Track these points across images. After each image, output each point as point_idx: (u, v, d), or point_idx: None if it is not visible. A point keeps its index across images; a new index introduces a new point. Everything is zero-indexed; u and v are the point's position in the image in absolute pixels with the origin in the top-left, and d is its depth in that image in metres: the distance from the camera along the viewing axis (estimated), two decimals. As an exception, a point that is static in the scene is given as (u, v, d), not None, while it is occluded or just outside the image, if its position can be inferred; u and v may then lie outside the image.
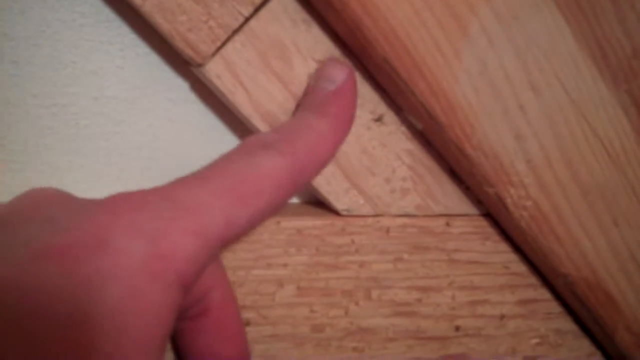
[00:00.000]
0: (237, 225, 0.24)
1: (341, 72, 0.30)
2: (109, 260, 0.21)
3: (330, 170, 0.33)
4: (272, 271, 0.33)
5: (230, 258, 0.32)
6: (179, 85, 0.33)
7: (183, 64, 0.33)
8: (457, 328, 0.36)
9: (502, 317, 0.37)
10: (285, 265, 0.33)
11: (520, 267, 0.37)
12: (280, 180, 0.26)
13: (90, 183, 0.33)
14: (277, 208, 0.26)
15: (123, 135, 0.33)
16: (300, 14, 0.31)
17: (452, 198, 0.35)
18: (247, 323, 0.33)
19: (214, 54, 0.30)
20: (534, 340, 0.37)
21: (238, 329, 0.30)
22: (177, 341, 0.30)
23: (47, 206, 0.23)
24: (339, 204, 0.34)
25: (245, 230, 0.25)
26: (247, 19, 0.30)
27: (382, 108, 0.33)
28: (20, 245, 0.21)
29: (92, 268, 0.20)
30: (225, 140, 0.35)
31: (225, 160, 0.26)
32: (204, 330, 0.28)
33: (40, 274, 0.20)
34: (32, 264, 0.20)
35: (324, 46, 0.32)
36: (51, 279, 0.20)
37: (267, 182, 0.25)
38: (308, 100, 0.30)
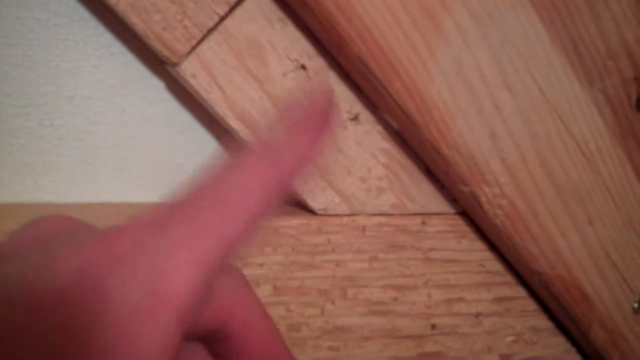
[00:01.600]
0: (233, 243, 0.24)
1: None
2: (103, 309, 0.20)
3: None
4: (248, 271, 0.33)
5: (206, 257, 0.32)
6: (155, 85, 0.33)
7: (158, 63, 0.32)
8: (433, 326, 0.36)
9: (477, 315, 0.37)
10: (261, 264, 0.33)
11: (496, 265, 0.37)
12: (268, 186, 0.25)
13: (65, 183, 0.33)
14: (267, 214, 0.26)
15: (98, 135, 0.33)
16: (276, 12, 0.31)
17: (427, 197, 0.36)
18: (223, 322, 0.33)
19: (189, 53, 0.30)
20: (510, 338, 0.38)
21: (268, 349, 0.29)
22: None
23: (46, 239, 0.23)
24: (315, 203, 0.34)
25: (241, 244, 0.25)
26: (222, 18, 0.30)
27: (358, 107, 0.33)
28: (12, 286, 0.20)
29: (86, 320, 0.20)
30: (201, 139, 0.34)
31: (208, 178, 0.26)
32: (227, 355, 0.28)
33: (31, 327, 0.20)
34: (22, 313, 0.20)
35: (300, 46, 0.32)
36: (41, 333, 0.20)
37: (254, 192, 0.25)
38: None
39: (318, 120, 0.28)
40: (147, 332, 0.21)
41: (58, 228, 0.23)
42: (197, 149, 0.35)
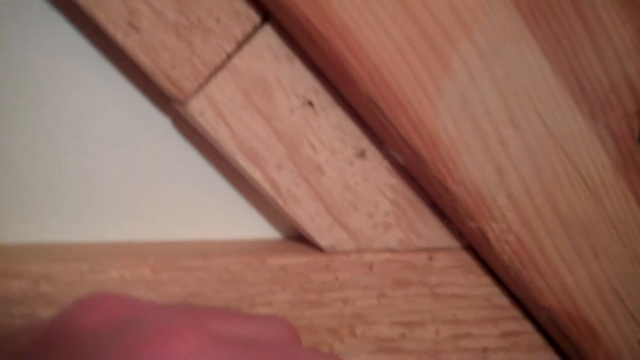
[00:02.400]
0: None
1: None
2: None
3: (313, 206, 0.33)
4: (256, 310, 0.32)
5: (213, 298, 0.32)
6: (161, 121, 0.33)
7: (165, 100, 0.32)
8: (442, 363, 0.36)
9: (484, 350, 0.37)
10: (269, 303, 0.33)
11: (503, 300, 0.37)
12: None
13: (72, 223, 0.32)
14: None
15: (104, 174, 0.32)
16: (284, 49, 0.31)
17: (434, 232, 0.35)
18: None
19: (197, 91, 0.30)
20: (517, 374, 0.37)
21: None
22: None
23: (101, 326, 0.22)
24: (322, 240, 0.33)
25: None
26: (230, 56, 0.30)
27: (365, 143, 0.33)
28: None
29: None
30: (208, 176, 0.34)
31: None
32: None
33: None
34: None
35: (307, 82, 0.32)
36: None
37: None
38: None
39: None
40: None
41: (115, 316, 0.22)
42: (205, 187, 0.34)
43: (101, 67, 0.32)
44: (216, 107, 0.30)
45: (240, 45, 0.30)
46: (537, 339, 0.38)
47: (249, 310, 0.32)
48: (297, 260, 0.33)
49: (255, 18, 0.30)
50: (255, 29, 0.30)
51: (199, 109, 0.30)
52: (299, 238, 0.36)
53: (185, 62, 0.29)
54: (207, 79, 0.30)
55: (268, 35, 0.31)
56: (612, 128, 0.34)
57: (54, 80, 0.31)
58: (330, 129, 0.32)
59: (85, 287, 0.30)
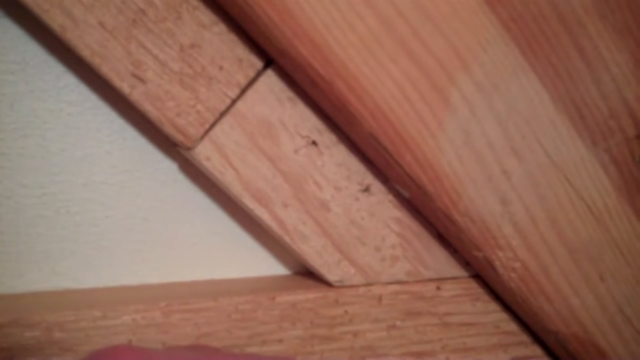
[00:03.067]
0: None
1: None
2: None
3: (320, 242, 0.33)
4: (267, 347, 0.33)
5: (225, 337, 0.32)
6: (168, 167, 0.33)
7: (171, 144, 0.33)
8: (453, 391, 0.36)
9: (495, 376, 0.37)
10: (280, 340, 0.33)
11: (511, 326, 0.37)
12: None
13: (83, 269, 0.33)
14: None
15: (113, 220, 0.33)
16: (286, 92, 0.32)
17: (441, 262, 0.36)
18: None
19: (202, 137, 0.31)
20: (529, 398, 0.38)
21: None
22: None
23: None
24: (331, 276, 0.34)
25: None
26: (234, 101, 0.31)
27: (369, 179, 0.34)
28: None
29: None
30: (216, 218, 0.35)
31: None
32: None
33: None
34: None
35: (310, 122, 0.32)
36: None
37: None
38: None
39: None
40: None
41: None
42: (213, 227, 0.35)
43: (107, 114, 0.32)
44: (222, 151, 0.31)
45: (243, 91, 0.31)
46: (547, 362, 0.38)
47: (260, 348, 0.33)
48: (307, 296, 0.34)
49: (258, 64, 0.31)
50: (258, 74, 0.31)
51: (205, 154, 0.31)
52: (307, 274, 0.37)
53: (190, 109, 0.30)
54: (212, 125, 0.31)
55: (270, 80, 0.31)
56: (613, 153, 0.35)
57: (60, 130, 0.32)
58: (335, 167, 0.33)
59: (98, 333, 0.30)
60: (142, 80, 0.29)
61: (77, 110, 0.32)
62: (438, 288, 0.36)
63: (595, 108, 0.34)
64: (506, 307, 0.37)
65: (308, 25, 0.28)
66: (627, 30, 0.34)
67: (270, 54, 0.31)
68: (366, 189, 0.34)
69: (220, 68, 0.30)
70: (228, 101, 0.31)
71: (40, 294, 0.33)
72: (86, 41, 0.28)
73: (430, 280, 0.36)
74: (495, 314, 0.37)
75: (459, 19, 0.31)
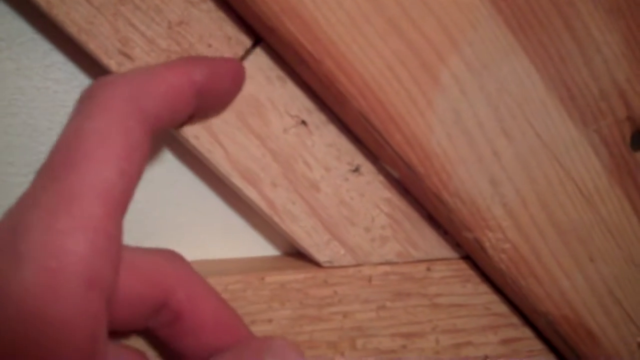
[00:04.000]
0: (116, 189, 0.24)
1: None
2: (4, 301, 0.21)
3: (310, 223, 0.33)
4: (256, 327, 0.33)
5: (215, 316, 0.32)
6: (155, 146, 0.33)
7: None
8: (443, 372, 0.36)
9: (485, 358, 0.37)
10: (269, 320, 0.33)
11: (502, 308, 0.37)
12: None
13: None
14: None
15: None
16: (275, 71, 0.31)
17: (431, 243, 0.36)
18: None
19: (191, 115, 0.30)
20: (518, 380, 0.38)
21: (222, 320, 0.29)
22: (167, 347, 0.29)
23: None
24: (320, 256, 0.34)
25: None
26: (222, 79, 0.31)
27: (359, 159, 0.34)
28: None
29: None
30: (204, 197, 0.35)
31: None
32: (185, 333, 0.28)
33: None
34: None
35: (300, 102, 0.32)
36: None
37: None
38: None
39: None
40: (53, 302, 0.21)
41: None
42: (201, 207, 0.35)
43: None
44: (210, 130, 0.31)
45: (232, 69, 0.31)
46: (537, 344, 0.38)
47: (250, 328, 0.32)
48: (296, 276, 0.34)
49: (247, 42, 0.31)
50: (247, 53, 0.31)
51: (193, 132, 0.30)
52: (297, 254, 0.36)
53: (179, 87, 0.30)
54: (201, 103, 0.30)
55: (259, 58, 0.31)
56: (604, 134, 0.35)
57: (47, 108, 0.31)
58: (325, 147, 0.33)
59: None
60: (129, 57, 0.29)
61: (64, 89, 0.31)
62: (428, 269, 0.36)
63: (586, 89, 0.34)
64: (496, 288, 0.37)
65: (296, 1, 0.28)
66: (618, 11, 0.33)
67: (259, 32, 0.30)
68: (356, 170, 0.34)
69: (209, 46, 0.30)
70: (216, 79, 0.30)
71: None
72: (73, 18, 0.28)
73: (420, 261, 0.36)
74: (485, 296, 0.37)
75: (449, -3, 0.30)
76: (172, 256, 0.28)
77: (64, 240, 0.21)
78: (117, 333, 0.29)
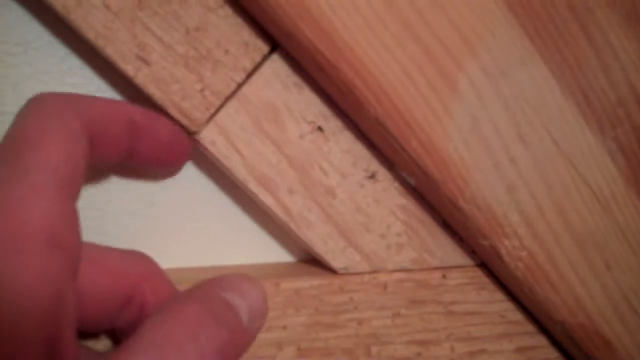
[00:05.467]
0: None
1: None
2: None
3: (326, 229, 0.33)
4: (271, 334, 0.33)
5: (230, 323, 0.32)
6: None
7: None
8: (458, 380, 0.36)
9: (500, 365, 0.37)
10: (284, 327, 0.33)
11: (517, 316, 0.37)
12: None
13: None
14: None
15: (116, 204, 0.33)
16: (292, 77, 0.31)
17: (446, 250, 0.36)
18: (249, 387, 0.32)
19: (207, 121, 0.30)
20: (534, 388, 0.37)
21: None
22: None
23: None
24: (335, 263, 0.34)
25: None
26: (239, 85, 0.31)
27: (375, 165, 0.33)
28: None
29: None
30: (220, 203, 0.35)
31: None
32: None
33: None
34: None
35: (316, 108, 0.32)
36: None
37: None
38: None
39: None
40: (16, 262, 0.21)
41: None
42: (217, 213, 0.35)
43: (111, 97, 0.32)
44: (227, 136, 0.31)
45: (249, 75, 0.31)
46: (552, 352, 0.38)
47: (264, 334, 0.32)
48: (311, 283, 0.33)
49: (264, 48, 0.31)
50: (264, 59, 0.31)
51: (210, 138, 0.30)
52: (312, 261, 0.36)
53: (196, 93, 0.30)
54: (218, 109, 0.30)
55: (276, 64, 0.31)
56: (621, 142, 0.34)
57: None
58: (341, 153, 0.33)
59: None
60: (147, 62, 0.29)
61: (82, 93, 0.31)
62: (443, 276, 0.36)
63: (604, 96, 0.34)
64: (512, 296, 0.37)
65: (314, 7, 0.28)
66: (636, 18, 0.33)
67: (276, 38, 0.30)
68: (372, 176, 0.34)
69: (226, 52, 0.30)
70: (234, 85, 0.30)
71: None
72: (90, 22, 0.28)
73: (435, 268, 0.36)
74: (500, 303, 0.37)
75: (465, 3, 0.30)
76: (138, 254, 0.29)
77: (22, 204, 0.22)
78: (86, 334, 0.30)
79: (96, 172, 0.32)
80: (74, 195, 0.24)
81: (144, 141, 0.29)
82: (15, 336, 0.20)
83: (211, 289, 0.25)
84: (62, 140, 0.24)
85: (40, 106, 0.25)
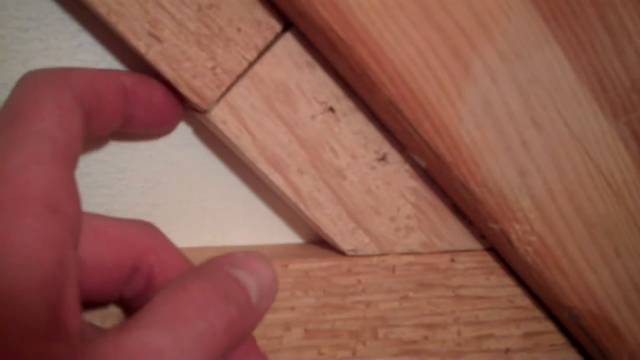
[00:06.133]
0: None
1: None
2: None
3: (335, 211, 0.33)
4: (278, 315, 0.33)
5: (238, 303, 0.32)
6: (182, 130, 0.33)
7: (186, 109, 0.32)
8: (465, 364, 0.36)
9: (507, 350, 0.37)
10: (292, 308, 0.33)
11: (525, 301, 0.37)
12: None
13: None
14: None
15: (126, 183, 0.33)
16: (304, 57, 0.31)
17: (456, 234, 0.35)
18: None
19: (219, 100, 0.30)
20: (540, 373, 0.37)
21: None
22: None
23: None
24: (344, 245, 0.33)
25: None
26: (251, 64, 0.30)
27: (386, 147, 0.33)
28: None
29: None
30: (229, 184, 0.34)
31: None
32: None
33: None
34: None
35: (328, 88, 0.32)
36: None
37: None
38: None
39: None
40: (16, 228, 0.21)
41: None
42: (226, 193, 0.34)
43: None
44: (238, 115, 0.30)
45: (261, 54, 0.30)
46: (559, 338, 0.38)
47: (272, 315, 0.32)
48: (320, 264, 0.33)
49: (276, 26, 0.30)
50: (276, 37, 0.30)
51: (221, 117, 0.30)
52: (321, 243, 0.36)
53: (207, 71, 0.29)
54: (229, 88, 0.30)
55: (289, 43, 0.31)
56: (634, 127, 0.34)
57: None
58: (352, 134, 0.32)
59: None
60: (158, 39, 0.29)
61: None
62: (452, 260, 0.35)
63: (618, 80, 0.33)
64: (520, 281, 0.37)
65: (329, -15, 0.28)
66: (653, 2, 0.33)
67: (290, 17, 0.30)
68: (383, 158, 0.33)
69: (238, 30, 0.30)
70: (245, 64, 0.30)
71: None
72: (103, -2, 0.28)
73: (444, 252, 0.35)
74: (509, 288, 0.37)
75: (482, -16, 0.30)
76: (143, 224, 0.29)
77: (21, 171, 0.22)
78: (94, 304, 0.30)
79: (104, 150, 0.32)
80: (72, 164, 0.24)
81: (138, 106, 0.29)
82: (18, 298, 0.20)
83: (221, 266, 0.25)
84: (56, 111, 0.24)
85: (32, 81, 0.25)
